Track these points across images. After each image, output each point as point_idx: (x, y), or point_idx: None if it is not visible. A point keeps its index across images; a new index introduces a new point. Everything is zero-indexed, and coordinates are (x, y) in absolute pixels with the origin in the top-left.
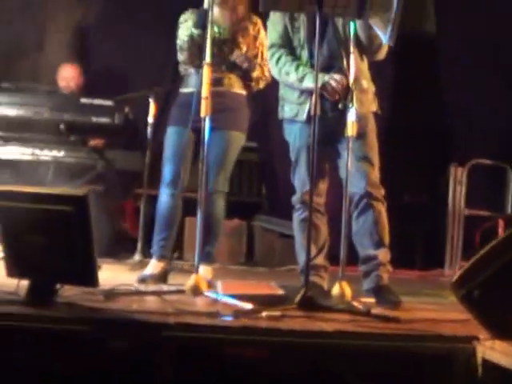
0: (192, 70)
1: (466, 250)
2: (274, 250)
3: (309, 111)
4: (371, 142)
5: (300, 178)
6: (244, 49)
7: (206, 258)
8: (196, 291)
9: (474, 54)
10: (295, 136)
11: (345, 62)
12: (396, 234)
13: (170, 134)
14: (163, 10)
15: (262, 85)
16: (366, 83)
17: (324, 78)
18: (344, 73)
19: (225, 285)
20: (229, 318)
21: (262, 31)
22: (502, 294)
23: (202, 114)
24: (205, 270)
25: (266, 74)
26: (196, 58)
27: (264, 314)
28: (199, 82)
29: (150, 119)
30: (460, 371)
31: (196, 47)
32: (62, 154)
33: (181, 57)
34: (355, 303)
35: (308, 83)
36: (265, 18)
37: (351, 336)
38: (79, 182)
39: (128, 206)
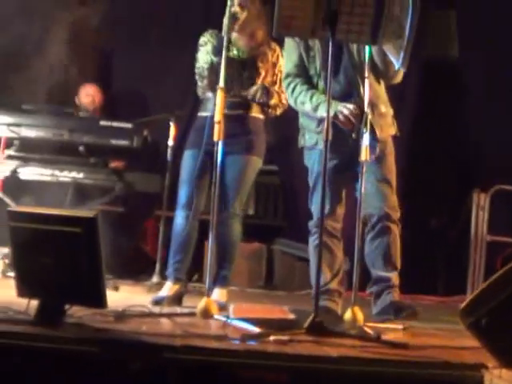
0: (210, 94)
1: (488, 276)
2: (294, 273)
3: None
4: (390, 165)
5: (317, 203)
6: (263, 74)
7: (222, 281)
8: (206, 314)
9: (497, 79)
10: (314, 162)
11: (361, 88)
12: (419, 259)
13: (186, 157)
14: (186, 34)
15: (278, 111)
16: (384, 107)
17: (337, 107)
18: (361, 99)
19: (236, 308)
20: (236, 342)
21: (281, 58)
22: (510, 322)
23: (215, 139)
24: (219, 293)
25: (284, 101)
26: (215, 84)
27: (271, 338)
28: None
29: (170, 142)
30: None
31: (215, 74)
32: (81, 175)
33: (200, 82)
34: (367, 328)
35: (322, 112)
36: (283, 45)
37: (356, 362)
38: (98, 204)
39: (149, 227)
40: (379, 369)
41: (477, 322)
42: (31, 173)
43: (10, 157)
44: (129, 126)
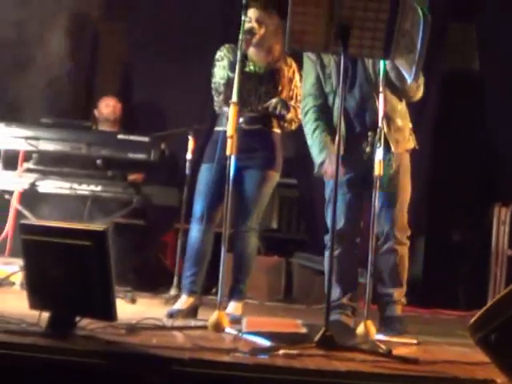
0: (226, 109)
1: None
2: (312, 287)
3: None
4: (402, 182)
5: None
6: (279, 89)
7: (237, 294)
8: (218, 327)
9: None
10: None
11: (376, 103)
12: (441, 273)
13: (203, 171)
14: (206, 48)
15: (294, 126)
16: (401, 121)
17: (322, 154)
18: (375, 113)
19: (249, 321)
20: (245, 356)
21: (297, 74)
22: None
23: (227, 153)
24: (235, 307)
25: (299, 116)
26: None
27: (281, 352)
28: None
29: (189, 155)
30: None
31: (231, 90)
32: (99, 188)
33: (216, 98)
34: (379, 343)
35: (312, 150)
36: (299, 61)
37: (364, 376)
38: (116, 217)
39: (169, 240)
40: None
41: (486, 337)
42: (49, 186)
43: (28, 170)
44: (146, 139)
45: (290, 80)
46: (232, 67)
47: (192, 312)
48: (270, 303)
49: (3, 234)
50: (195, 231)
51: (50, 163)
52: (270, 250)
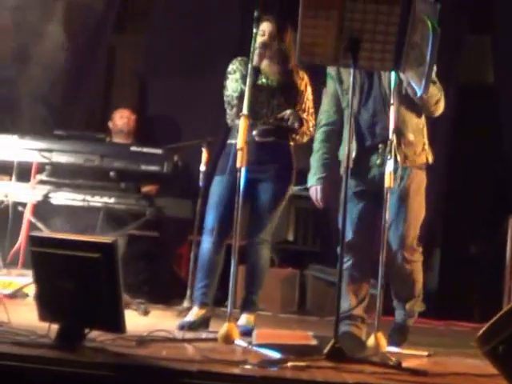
0: (238, 122)
1: None
2: (326, 299)
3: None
4: (412, 200)
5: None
6: (292, 102)
7: (249, 306)
8: (228, 339)
9: None
10: (340, 188)
11: (388, 116)
12: (456, 285)
13: (215, 183)
14: (221, 61)
15: (305, 139)
16: (414, 136)
17: (313, 179)
18: (387, 126)
19: (259, 333)
20: (254, 368)
21: (309, 87)
22: None
23: (238, 165)
24: (247, 318)
25: (311, 129)
26: None
27: (289, 364)
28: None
29: (202, 167)
30: None
31: None
32: (112, 200)
33: (229, 110)
34: (389, 355)
35: (310, 175)
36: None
37: None
38: (129, 229)
39: (184, 252)
40: None
41: (494, 349)
42: (62, 198)
43: (41, 182)
44: (159, 151)
45: (302, 92)
46: (245, 80)
47: (204, 324)
48: (284, 315)
49: (16, 246)
50: (207, 243)
51: (63, 175)
52: (284, 262)
